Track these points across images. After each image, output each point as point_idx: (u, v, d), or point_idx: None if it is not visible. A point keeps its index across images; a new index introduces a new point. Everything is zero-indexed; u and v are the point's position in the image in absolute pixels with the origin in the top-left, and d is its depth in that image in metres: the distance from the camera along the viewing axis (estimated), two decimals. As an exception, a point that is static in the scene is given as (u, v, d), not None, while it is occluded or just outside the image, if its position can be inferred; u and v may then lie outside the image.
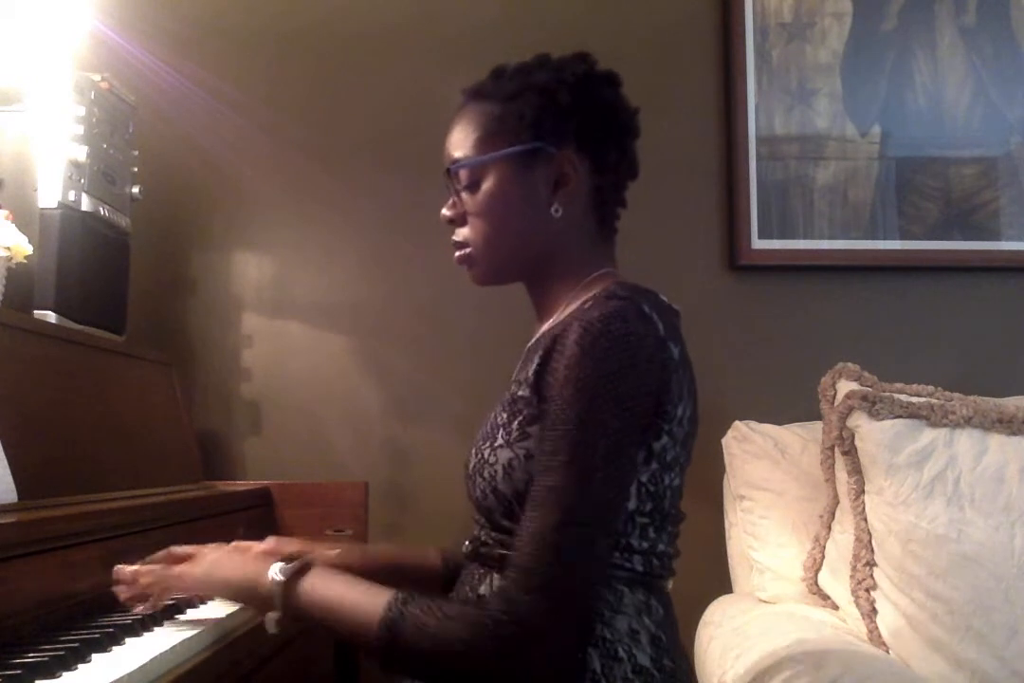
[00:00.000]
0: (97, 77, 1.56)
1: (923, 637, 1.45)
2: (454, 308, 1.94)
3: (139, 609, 1.02)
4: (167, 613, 1.05)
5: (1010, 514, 1.49)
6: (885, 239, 1.98)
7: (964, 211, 1.99)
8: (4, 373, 1.16)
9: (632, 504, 0.93)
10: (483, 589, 0.98)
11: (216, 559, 1.02)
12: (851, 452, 1.57)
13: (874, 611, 1.51)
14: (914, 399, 1.59)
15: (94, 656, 0.86)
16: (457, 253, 1.08)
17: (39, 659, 0.82)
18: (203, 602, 1.14)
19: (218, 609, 1.11)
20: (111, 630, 0.93)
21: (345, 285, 1.98)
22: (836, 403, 1.61)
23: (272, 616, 0.94)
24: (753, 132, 1.98)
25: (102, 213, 1.56)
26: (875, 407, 1.55)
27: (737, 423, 1.80)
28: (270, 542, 1.14)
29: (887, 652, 1.48)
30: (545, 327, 1.06)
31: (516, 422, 0.96)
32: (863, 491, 1.56)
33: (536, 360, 0.96)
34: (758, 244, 1.96)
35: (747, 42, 1.99)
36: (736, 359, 1.94)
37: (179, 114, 1.94)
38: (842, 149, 1.99)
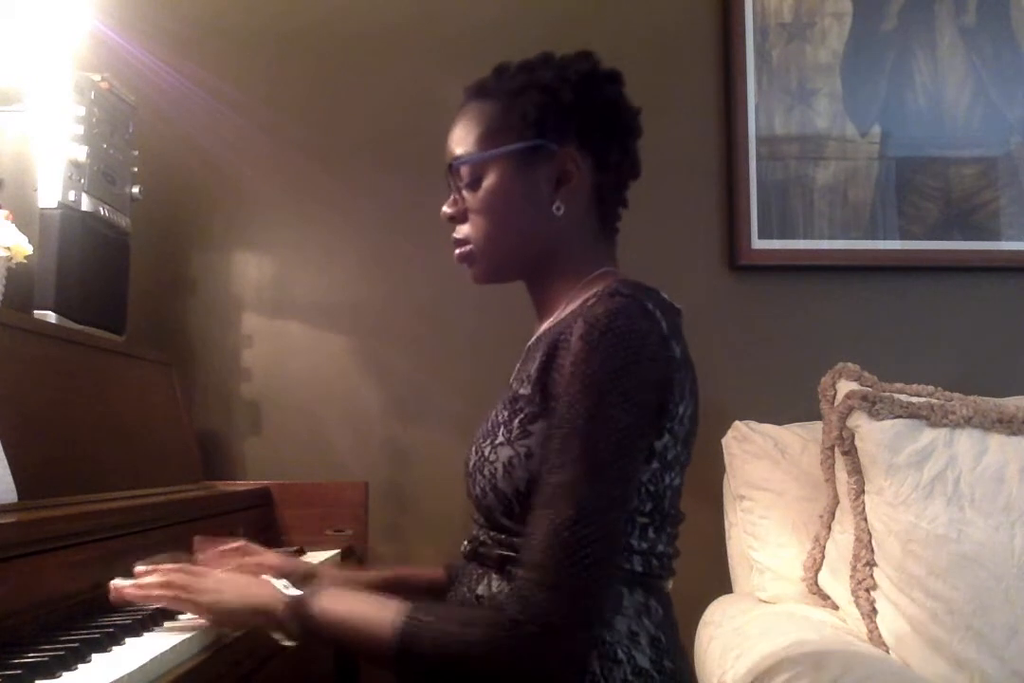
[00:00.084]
0: (97, 77, 1.56)
1: (923, 637, 1.45)
2: (454, 308, 1.94)
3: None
4: (167, 613, 1.04)
5: (1010, 514, 1.49)
6: (885, 239, 1.98)
7: (964, 211, 1.99)
8: (4, 373, 1.16)
9: (632, 504, 0.93)
10: (481, 589, 0.98)
11: (220, 589, 0.97)
12: (851, 452, 1.57)
13: (874, 611, 1.51)
14: (914, 399, 1.59)
15: (94, 656, 0.86)
16: (457, 251, 1.07)
17: (39, 659, 0.81)
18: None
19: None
20: (111, 630, 0.93)
21: (345, 285, 1.98)
22: (836, 403, 1.61)
23: (287, 643, 0.94)
24: (753, 132, 1.98)
25: (102, 213, 1.56)
26: (875, 407, 1.55)
27: (737, 423, 1.80)
28: (274, 558, 1.15)
29: (887, 652, 1.48)
30: (545, 326, 1.06)
31: (517, 420, 0.96)
32: (863, 491, 1.56)
33: (538, 358, 0.96)
34: (758, 244, 1.96)
35: (747, 42, 1.99)
36: (736, 359, 1.94)
37: (179, 114, 1.94)
38: (842, 149, 1.99)
